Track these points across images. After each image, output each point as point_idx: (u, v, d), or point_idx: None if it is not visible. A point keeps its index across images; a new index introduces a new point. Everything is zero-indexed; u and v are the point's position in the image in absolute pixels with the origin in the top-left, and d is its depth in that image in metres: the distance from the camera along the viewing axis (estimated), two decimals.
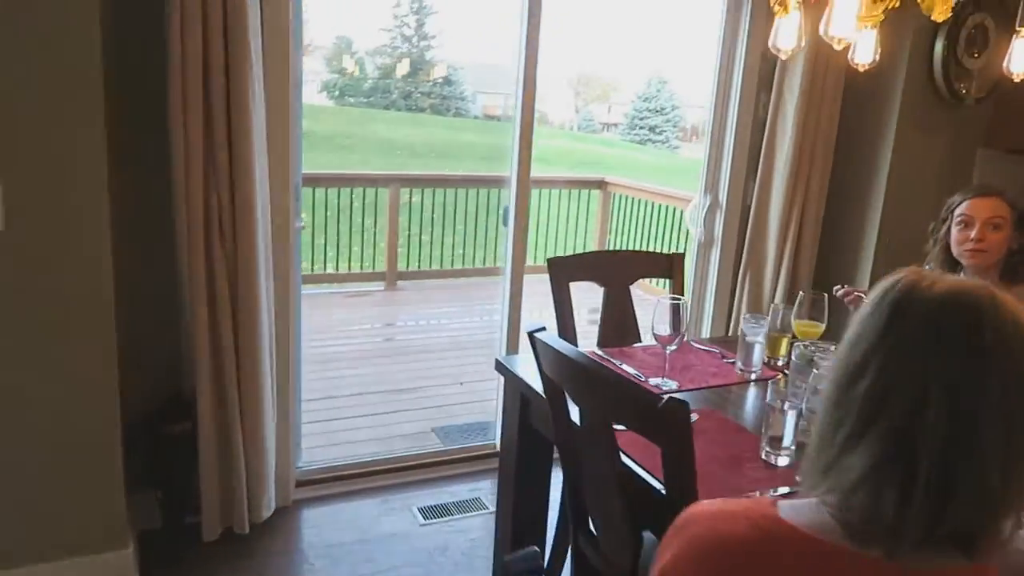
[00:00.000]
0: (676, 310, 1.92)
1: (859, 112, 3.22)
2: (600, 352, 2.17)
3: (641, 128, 24.90)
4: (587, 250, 6.96)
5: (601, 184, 6.90)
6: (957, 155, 3.34)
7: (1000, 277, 2.11)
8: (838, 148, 3.22)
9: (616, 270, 2.42)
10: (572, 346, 1.61)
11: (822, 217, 3.28)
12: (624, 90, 26.09)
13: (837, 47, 1.63)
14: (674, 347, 1.96)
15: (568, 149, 17.46)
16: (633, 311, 2.43)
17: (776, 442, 1.59)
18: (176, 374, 2.44)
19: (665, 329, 1.93)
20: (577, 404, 1.58)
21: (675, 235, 6.26)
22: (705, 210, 3.34)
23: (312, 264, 6.21)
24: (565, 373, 1.53)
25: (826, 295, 2.13)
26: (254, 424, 2.38)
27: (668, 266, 2.50)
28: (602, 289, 2.42)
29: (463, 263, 6.76)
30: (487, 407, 3.56)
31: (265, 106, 2.28)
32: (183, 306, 2.28)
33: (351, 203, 6.21)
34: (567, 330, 2.31)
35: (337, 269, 6.36)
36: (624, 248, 6.39)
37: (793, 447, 1.59)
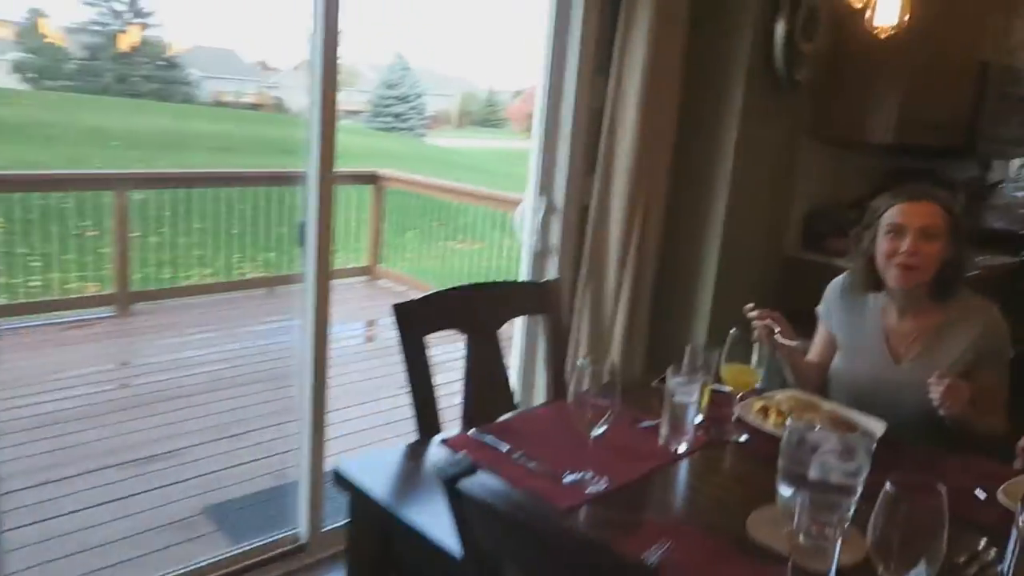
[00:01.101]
0: (605, 378, 1.34)
1: (698, 102, 2.87)
2: (478, 435, 1.53)
3: (385, 115, 24.25)
4: (359, 260, 6.24)
5: (372, 178, 6.16)
6: (791, 147, 3.14)
7: (929, 295, 1.80)
8: (678, 141, 2.85)
9: (480, 311, 1.78)
10: (527, 500, 0.95)
11: (664, 218, 2.89)
12: (367, 76, 25.26)
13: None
14: (602, 429, 1.38)
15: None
16: (503, 365, 1.82)
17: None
18: None
19: (591, 406, 1.35)
20: None
21: (485, 235, 5.78)
22: (540, 214, 2.81)
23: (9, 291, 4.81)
24: (516, 546, 0.88)
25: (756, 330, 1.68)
26: None
27: (541, 299, 1.92)
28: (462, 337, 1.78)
29: (223, 274, 5.71)
30: (282, 464, 2.78)
31: None
32: None
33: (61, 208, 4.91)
34: (428, 407, 1.64)
35: (48, 295, 4.98)
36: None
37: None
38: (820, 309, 2.01)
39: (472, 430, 1.55)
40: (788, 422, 1.32)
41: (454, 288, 1.79)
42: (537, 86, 2.76)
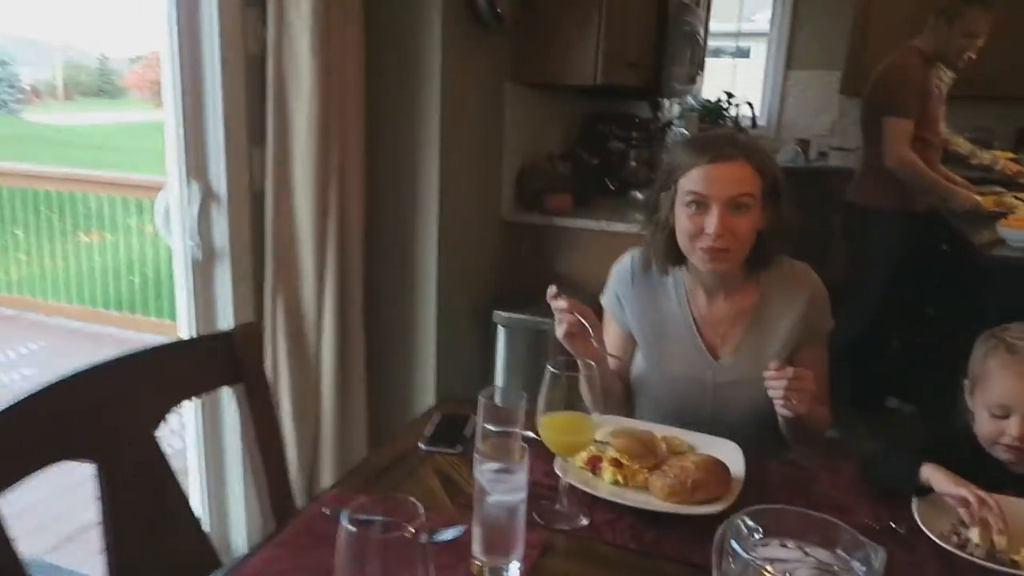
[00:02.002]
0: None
1: (390, 44, 2.25)
2: None
3: None
4: None
5: None
6: (499, 93, 2.68)
7: (743, 271, 1.42)
8: (371, 95, 2.22)
9: (113, 415, 0.99)
10: None
11: (364, 193, 2.26)
12: None
13: None
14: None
15: None
16: (175, 485, 1.07)
17: None
18: None
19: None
20: None
21: (118, 224, 4.53)
22: (195, 206, 1.99)
23: None
24: None
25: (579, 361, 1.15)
26: None
27: (223, 360, 1.18)
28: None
29: None
30: None
31: None
32: None
33: None
34: None
35: None
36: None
37: None
38: (606, 300, 1.55)
39: None
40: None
41: (53, 386, 0.97)
42: (163, 30, 1.91)
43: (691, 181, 1.33)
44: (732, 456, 1.24)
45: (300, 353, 2.19)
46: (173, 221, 2.04)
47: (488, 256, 2.74)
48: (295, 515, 1.11)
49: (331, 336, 2.20)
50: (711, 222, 1.31)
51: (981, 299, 2.47)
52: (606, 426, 1.26)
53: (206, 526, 1.31)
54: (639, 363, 1.49)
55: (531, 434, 1.14)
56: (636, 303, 1.49)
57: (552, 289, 1.32)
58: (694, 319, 1.45)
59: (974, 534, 1.07)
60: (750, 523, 0.78)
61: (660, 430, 1.31)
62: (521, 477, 0.96)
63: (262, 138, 2.04)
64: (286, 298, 2.14)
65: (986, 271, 2.46)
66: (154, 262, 4.63)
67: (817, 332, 1.45)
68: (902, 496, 1.16)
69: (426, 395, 2.46)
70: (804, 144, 5.20)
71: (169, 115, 1.95)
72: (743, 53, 7.25)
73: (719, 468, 1.16)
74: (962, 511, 1.08)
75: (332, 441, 2.27)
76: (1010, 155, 4.04)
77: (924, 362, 3.21)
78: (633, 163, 3.28)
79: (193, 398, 1.20)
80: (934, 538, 1.06)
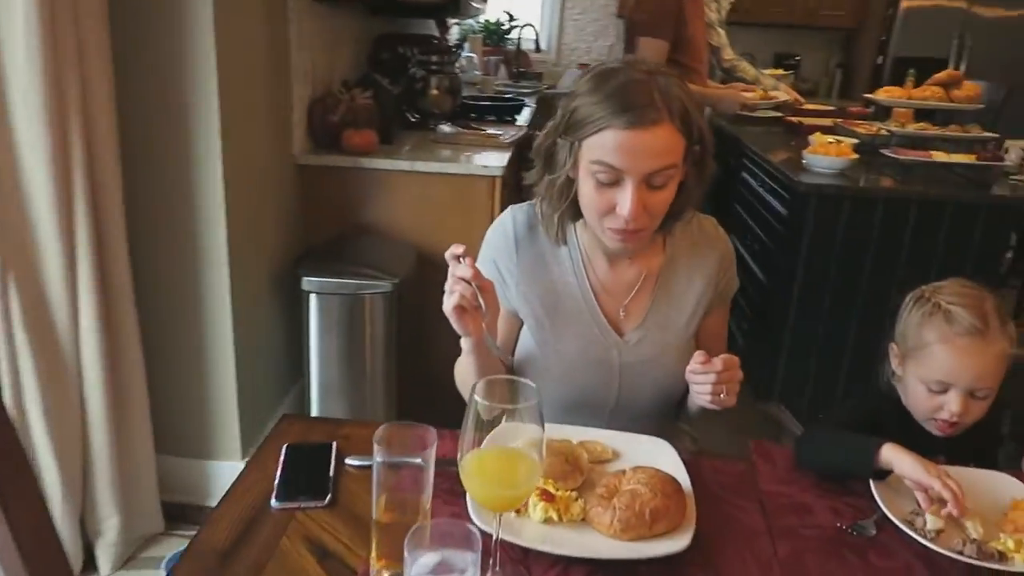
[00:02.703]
0: None
1: None
2: None
3: None
4: None
5: None
6: (282, 7, 2.20)
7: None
8: (115, 27, 1.67)
9: None
10: None
11: (119, 152, 1.73)
12: None
13: None
14: None
15: None
16: None
17: None
18: None
19: None
20: None
21: None
22: None
23: None
24: None
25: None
26: None
27: None
28: None
29: None
30: None
31: None
32: None
33: None
34: None
35: None
36: None
37: None
38: (484, 268, 1.24)
39: None
40: None
41: None
42: None
43: (603, 148, 1.05)
44: (668, 460, 1.04)
45: (51, 358, 1.66)
46: None
47: (284, 209, 2.29)
48: None
49: (92, 330, 1.69)
50: (625, 202, 1.05)
51: (799, 231, 2.50)
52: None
53: None
54: (527, 346, 1.23)
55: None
56: (522, 275, 1.21)
57: (458, 248, 1.00)
58: (592, 289, 1.21)
59: (931, 520, 0.96)
60: None
61: (569, 433, 1.07)
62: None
63: None
64: (22, 288, 1.59)
65: (803, 200, 2.48)
66: None
67: (725, 295, 1.27)
68: (852, 477, 1.04)
69: (225, 388, 2.02)
70: (586, 68, 5.12)
71: None
72: None
73: (673, 487, 0.94)
74: (919, 495, 0.96)
75: (108, 461, 1.78)
76: (779, 71, 4.28)
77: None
78: (435, 91, 2.94)
79: None
80: (918, 537, 0.93)
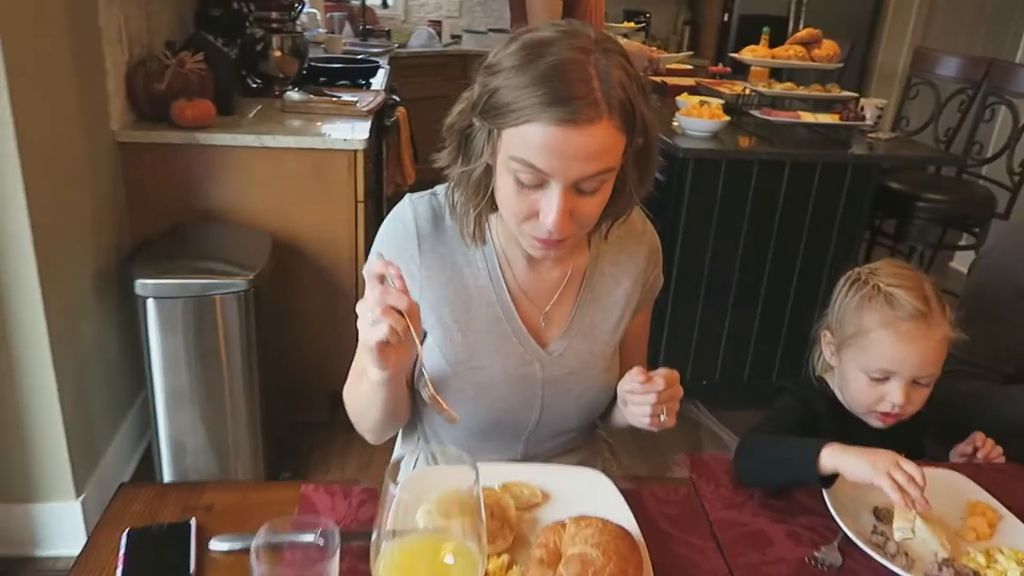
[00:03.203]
0: None
1: None
2: None
3: None
4: None
5: None
6: None
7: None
8: None
9: None
10: None
11: None
12: None
13: None
14: None
15: None
16: None
17: None
18: None
19: None
20: None
21: None
22: None
23: None
24: None
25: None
26: None
27: None
28: None
29: None
30: None
31: None
32: None
33: None
34: None
35: None
36: None
37: None
38: (374, 274, 0.99)
39: None
40: None
41: None
42: None
43: (525, 145, 0.83)
44: (608, 498, 0.89)
45: None
46: None
47: (104, 195, 1.94)
48: None
49: None
50: (549, 210, 0.85)
51: (679, 198, 2.42)
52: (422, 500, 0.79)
53: None
54: (434, 364, 1.02)
55: None
56: (426, 280, 1.00)
57: (383, 265, 0.79)
58: (510, 294, 1.02)
59: (898, 523, 0.87)
60: None
61: (486, 474, 0.89)
62: None
63: None
64: None
65: (683, 165, 2.40)
66: None
67: (651, 294, 1.12)
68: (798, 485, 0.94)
69: (47, 417, 1.69)
70: (437, 25, 4.87)
71: None
72: None
73: (627, 544, 0.79)
74: (895, 498, 0.85)
75: None
76: (631, 25, 4.23)
77: None
78: (278, 52, 2.61)
79: None
80: (891, 566, 0.83)
